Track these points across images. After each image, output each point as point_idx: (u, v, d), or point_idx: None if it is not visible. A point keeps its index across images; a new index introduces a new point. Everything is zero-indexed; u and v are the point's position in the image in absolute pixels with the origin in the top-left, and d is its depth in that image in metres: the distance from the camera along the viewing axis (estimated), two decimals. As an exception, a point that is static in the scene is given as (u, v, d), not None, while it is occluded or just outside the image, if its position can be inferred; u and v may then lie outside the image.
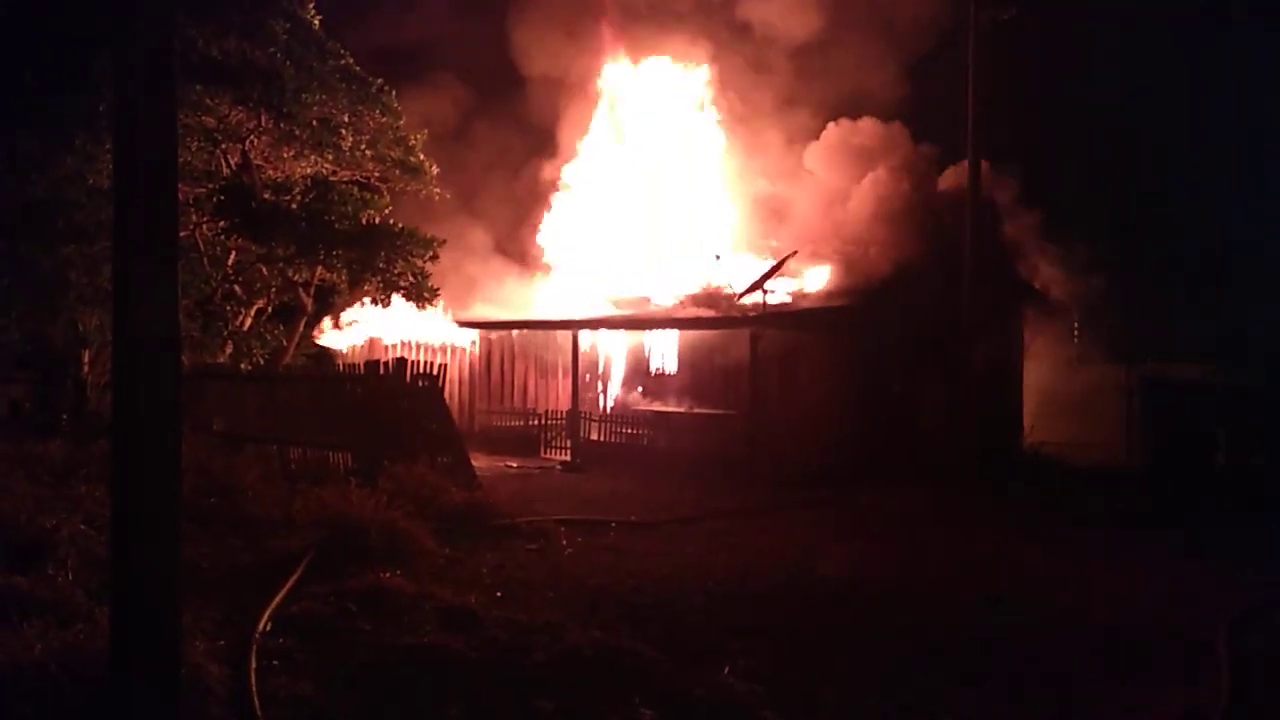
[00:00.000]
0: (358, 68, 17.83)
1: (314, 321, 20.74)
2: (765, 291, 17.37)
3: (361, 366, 14.26)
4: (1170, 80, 23.03)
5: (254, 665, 5.92)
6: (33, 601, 6.39)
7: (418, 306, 18.50)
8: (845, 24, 21.22)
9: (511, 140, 24.98)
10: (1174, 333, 20.95)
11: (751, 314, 17.17)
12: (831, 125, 20.21)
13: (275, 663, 6.11)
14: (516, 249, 24.48)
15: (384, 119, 18.21)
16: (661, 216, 22.25)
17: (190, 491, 9.48)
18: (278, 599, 7.33)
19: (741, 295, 18.08)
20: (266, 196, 17.50)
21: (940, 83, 18.65)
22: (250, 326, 17.91)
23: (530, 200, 24.85)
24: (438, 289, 18.29)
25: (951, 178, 18.12)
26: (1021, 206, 18.84)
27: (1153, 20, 21.94)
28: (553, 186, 24.48)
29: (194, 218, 17.09)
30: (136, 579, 4.69)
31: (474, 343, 21.98)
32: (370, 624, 6.89)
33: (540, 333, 21.58)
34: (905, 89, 20.19)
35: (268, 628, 6.69)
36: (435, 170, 19.27)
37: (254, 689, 5.59)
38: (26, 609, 6.20)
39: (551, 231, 23.92)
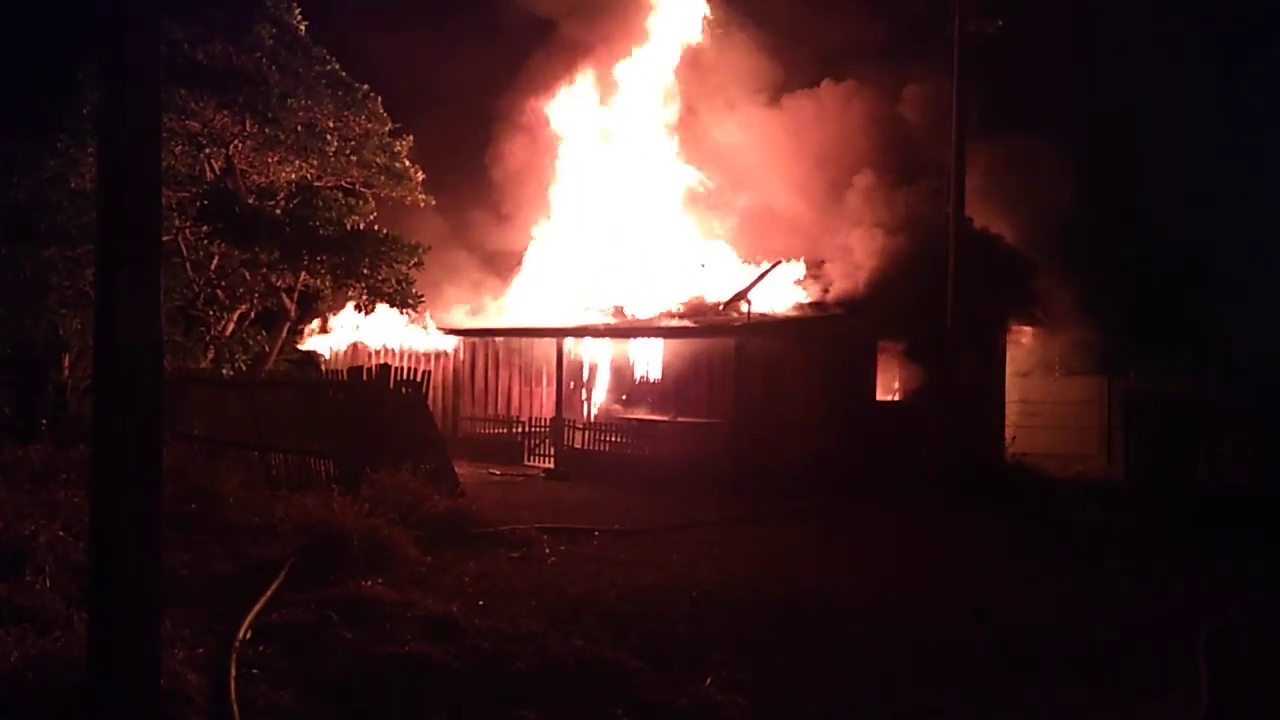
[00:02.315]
0: (344, 73, 17.83)
1: (297, 327, 20.65)
2: (749, 301, 17.39)
3: (345, 372, 14.20)
4: (1153, 90, 23.19)
5: (234, 674, 5.88)
6: (10, 608, 6.34)
7: (402, 312, 18.47)
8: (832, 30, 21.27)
9: (499, 144, 24.94)
10: (1155, 345, 21.08)
11: (736, 323, 17.19)
12: (824, 135, 20.27)
13: (255, 671, 6.06)
14: (502, 255, 24.44)
15: (369, 124, 18.22)
16: (647, 225, 22.25)
17: (171, 498, 9.41)
18: (258, 607, 7.28)
19: (726, 304, 18.11)
20: (250, 201, 17.46)
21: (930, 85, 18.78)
22: (233, 331, 17.83)
23: (517, 207, 24.82)
24: (422, 295, 18.28)
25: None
26: (1005, 218, 18.96)
27: (1136, 29, 22.11)
28: (539, 193, 24.46)
29: (177, 222, 17.04)
30: (116, 586, 4.65)
31: (458, 349, 21.92)
32: (351, 632, 6.86)
33: (524, 340, 21.55)
34: (894, 95, 20.19)
35: (248, 636, 6.64)
36: (420, 176, 19.26)
37: (233, 697, 5.55)
38: (3, 616, 6.15)
39: (537, 238, 23.90)
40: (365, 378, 13.13)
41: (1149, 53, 22.62)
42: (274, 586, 7.87)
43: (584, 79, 23.80)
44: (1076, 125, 22.80)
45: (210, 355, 17.18)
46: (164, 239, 14.61)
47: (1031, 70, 20.47)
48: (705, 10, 22.94)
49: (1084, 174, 22.03)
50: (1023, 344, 20.55)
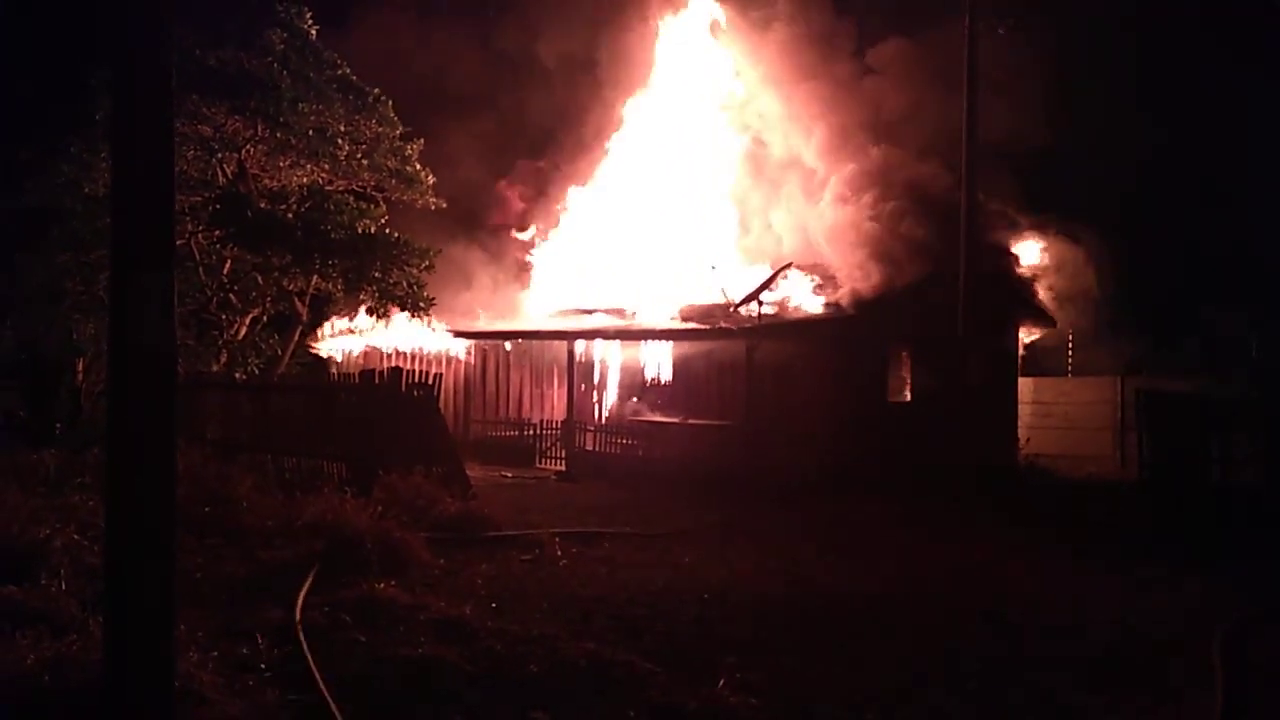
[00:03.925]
0: (354, 77, 17.88)
1: (309, 331, 20.71)
2: (760, 303, 17.38)
3: (357, 376, 14.24)
4: (1168, 92, 23.07)
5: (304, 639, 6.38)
6: (26, 612, 6.38)
7: (413, 316, 18.51)
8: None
9: (511, 147, 25.03)
10: (1169, 345, 20.99)
11: (747, 325, 17.18)
12: (831, 136, 20.21)
13: (269, 673, 6.09)
14: (513, 258, 24.49)
15: (380, 128, 18.25)
16: (658, 227, 22.26)
17: (184, 501, 9.46)
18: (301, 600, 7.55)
19: (737, 306, 18.10)
20: (262, 205, 17.50)
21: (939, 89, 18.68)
22: (245, 335, 17.88)
23: (529, 209, 24.88)
24: (433, 299, 18.30)
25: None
26: (1019, 217, 18.91)
27: (1147, 25, 21.97)
28: (551, 196, 24.52)
29: (189, 226, 17.09)
30: (131, 589, 4.68)
31: (469, 352, 21.98)
32: (365, 635, 6.88)
33: (536, 343, 21.59)
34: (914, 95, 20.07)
35: (262, 640, 6.67)
36: (431, 179, 19.29)
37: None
38: (20, 619, 6.19)
39: (548, 241, 23.95)
40: (377, 381, 13.17)
41: (1168, 48, 22.49)
42: (308, 584, 7.99)
43: (596, 80, 23.88)
44: (1093, 122, 22.74)
45: (223, 359, 17.23)
46: (177, 243, 14.68)
47: (1047, 66, 20.38)
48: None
49: (1099, 172, 22.00)
50: (1035, 344, 20.50)
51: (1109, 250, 19.36)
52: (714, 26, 22.88)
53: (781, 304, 18.35)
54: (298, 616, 7.04)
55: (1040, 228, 19.43)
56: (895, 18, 20.15)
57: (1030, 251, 19.29)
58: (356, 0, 24.10)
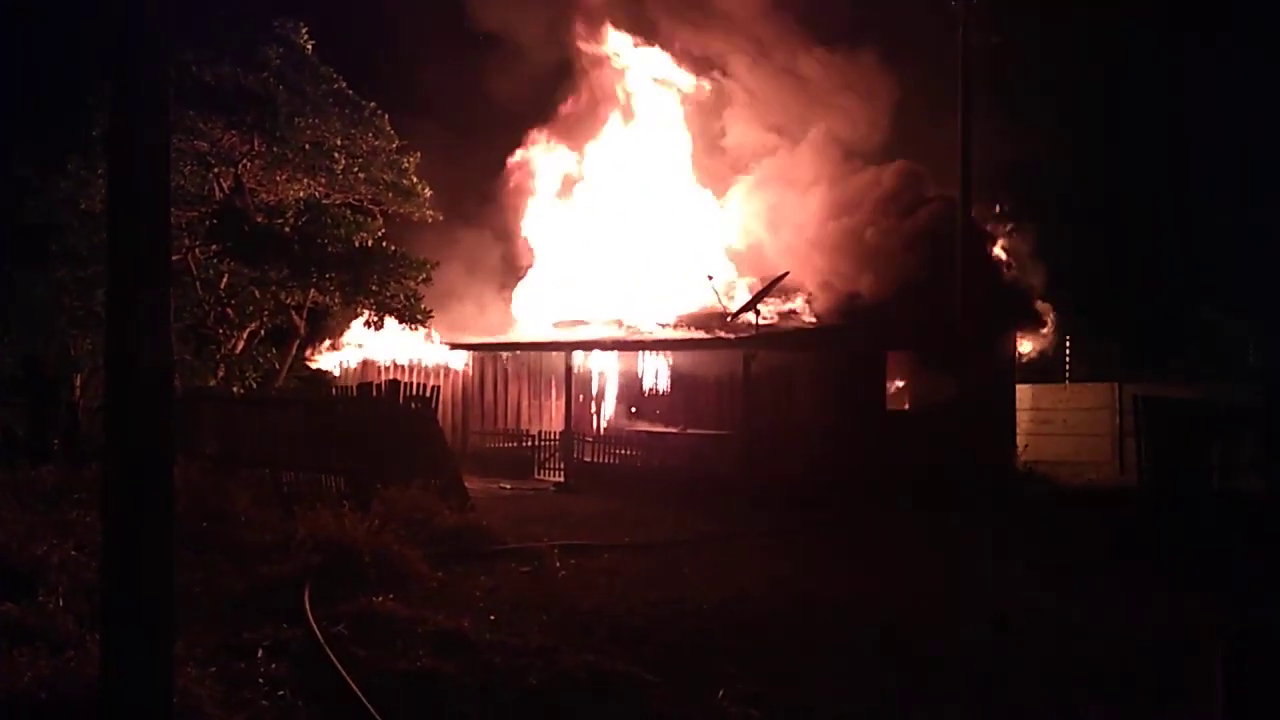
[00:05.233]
0: (350, 91, 17.92)
1: (307, 344, 20.71)
2: (758, 312, 17.39)
3: (354, 389, 14.24)
4: (1174, 91, 23.10)
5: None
6: (23, 629, 6.38)
7: (410, 328, 18.52)
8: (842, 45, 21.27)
9: (506, 158, 25.05)
10: (1167, 351, 21.00)
11: (744, 334, 17.18)
12: (826, 142, 20.29)
13: (267, 687, 6.07)
14: (510, 270, 24.52)
15: (377, 142, 18.30)
16: (655, 237, 22.29)
17: (182, 516, 9.44)
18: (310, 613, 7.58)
19: (734, 315, 18.10)
20: (259, 220, 17.54)
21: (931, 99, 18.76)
22: (243, 349, 17.89)
23: (526, 219, 24.88)
24: (430, 311, 18.32)
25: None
26: (1014, 225, 18.96)
27: (1143, 29, 22.02)
28: (548, 205, 24.54)
29: (186, 241, 17.12)
30: (129, 606, 4.67)
31: (467, 364, 21.96)
32: (363, 649, 6.86)
33: (533, 354, 21.59)
34: (901, 107, 20.16)
35: (261, 653, 6.65)
36: (428, 192, 19.32)
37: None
38: (17, 636, 6.18)
39: (545, 252, 23.97)
40: (375, 394, 13.17)
41: (1167, 52, 22.53)
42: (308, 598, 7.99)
43: (596, 87, 23.92)
44: (1090, 127, 22.78)
45: (221, 373, 17.23)
46: (174, 258, 14.69)
47: (1045, 66, 20.44)
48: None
49: (1097, 179, 22.04)
50: (1033, 351, 20.51)
51: (1105, 253, 19.42)
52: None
53: (778, 313, 18.36)
54: (316, 631, 7.08)
55: (1036, 233, 19.47)
56: (881, 25, 20.28)
57: (1024, 257, 19.31)
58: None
